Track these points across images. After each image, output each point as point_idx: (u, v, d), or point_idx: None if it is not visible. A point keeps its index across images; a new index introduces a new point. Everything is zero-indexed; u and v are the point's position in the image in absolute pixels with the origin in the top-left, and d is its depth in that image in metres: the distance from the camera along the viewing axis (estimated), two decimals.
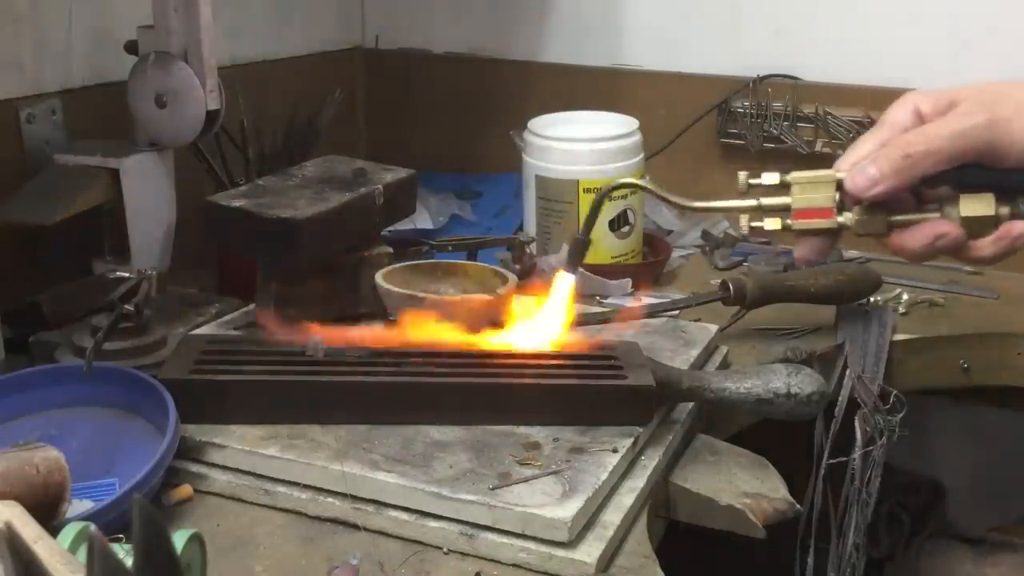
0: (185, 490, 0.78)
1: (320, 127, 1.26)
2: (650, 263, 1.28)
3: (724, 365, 1.02)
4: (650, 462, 0.82)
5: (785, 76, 1.40)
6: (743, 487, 0.82)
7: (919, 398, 1.16)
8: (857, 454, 0.97)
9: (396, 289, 0.97)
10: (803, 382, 0.84)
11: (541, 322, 0.89)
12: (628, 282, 1.20)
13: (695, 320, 1.09)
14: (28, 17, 1.11)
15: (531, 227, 1.26)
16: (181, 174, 1.10)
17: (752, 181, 0.75)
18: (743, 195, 0.75)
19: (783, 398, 0.83)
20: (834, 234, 0.73)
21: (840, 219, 0.72)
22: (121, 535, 0.65)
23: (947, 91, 0.71)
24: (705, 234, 1.41)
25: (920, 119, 0.71)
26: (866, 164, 0.70)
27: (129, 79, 1.05)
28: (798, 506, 0.82)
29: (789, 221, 0.74)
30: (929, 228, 0.71)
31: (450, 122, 1.61)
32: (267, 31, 1.46)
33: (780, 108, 1.40)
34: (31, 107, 1.11)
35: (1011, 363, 1.16)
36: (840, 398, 1.01)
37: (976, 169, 0.69)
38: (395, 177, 1.08)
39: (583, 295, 1.16)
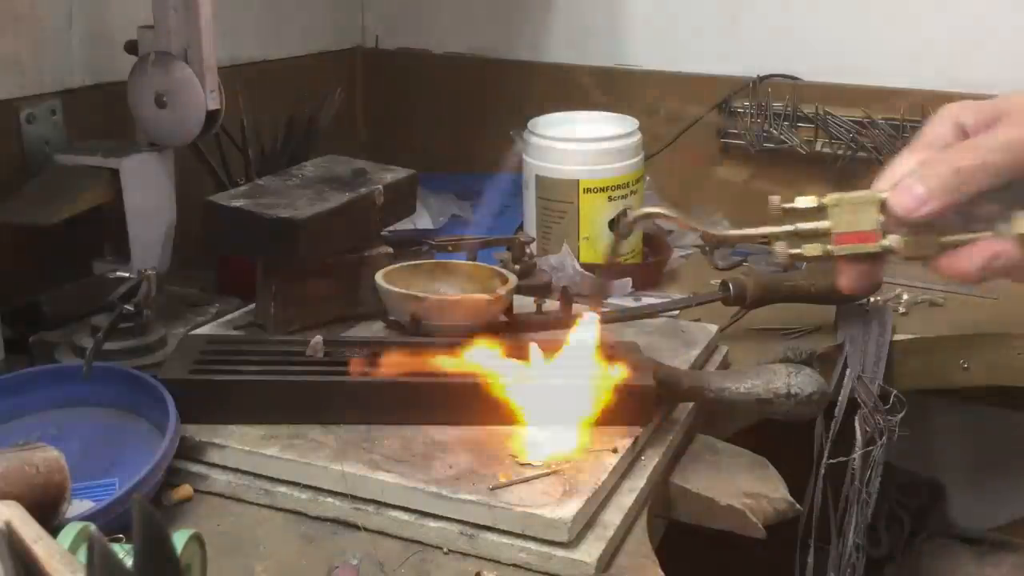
0: (185, 490, 0.78)
1: (320, 127, 1.26)
2: (650, 263, 1.28)
3: (724, 365, 1.02)
4: (650, 462, 0.82)
5: (785, 76, 1.41)
6: (743, 487, 0.82)
7: (919, 398, 1.16)
8: (857, 454, 0.97)
9: (396, 289, 0.97)
10: (803, 382, 0.84)
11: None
12: (628, 282, 1.20)
13: (695, 320, 1.09)
14: (28, 17, 1.11)
15: (531, 227, 1.26)
16: (181, 174, 1.10)
17: (786, 205, 0.70)
18: (777, 220, 0.70)
19: (783, 398, 0.83)
20: (880, 258, 0.69)
21: (886, 242, 0.67)
22: (121, 535, 0.65)
23: (989, 102, 0.67)
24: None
25: (963, 133, 0.67)
26: (912, 182, 0.64)
27: (129, 79, 1.05)
28: (798, 506, 0.82)
29: (830, 247, 0.68)
30: (985, 248, 0.65)
31: (450, 122, 1.61)
32: (267, 31, 1.46)
33: (780, 108, 1.40)
34: (31, 107, 1.11)
35: (1011, 363, 1.16)
36: (840, 398, 1.01)
37: None
38: (395, 177, 1.08)
39: (583, 295, 1.16)
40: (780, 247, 0.70)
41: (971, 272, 0.66)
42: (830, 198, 0.68)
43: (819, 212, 0.68)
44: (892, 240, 0.67)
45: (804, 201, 0.69)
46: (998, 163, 0.63)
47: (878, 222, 0.67)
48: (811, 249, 0.69)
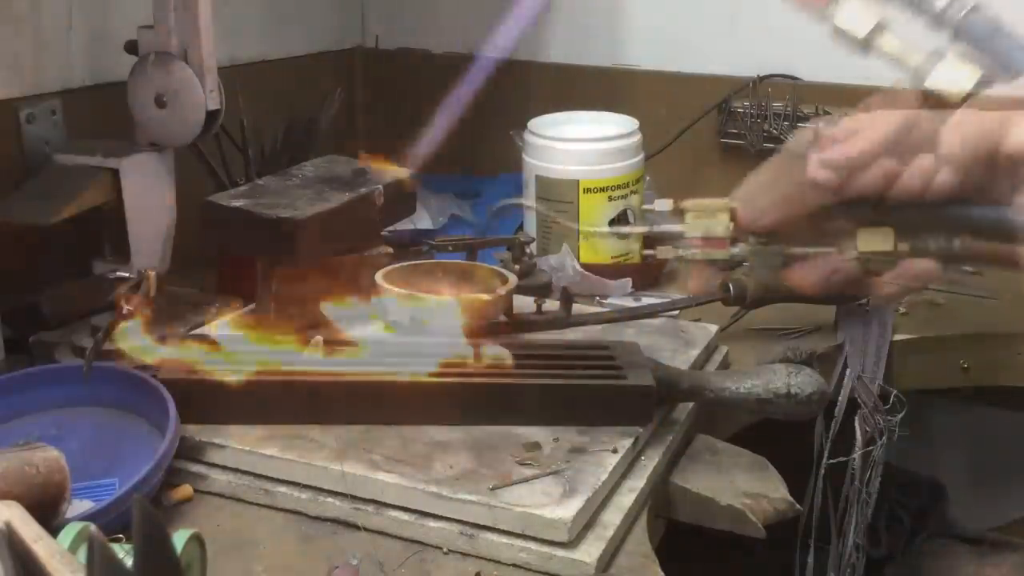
0: (185, 490, 0.78)
1: (320, 127, 1.26)
2: (650, 263, 1.28)
3: (724, 365, 1.02)
4: (650, 462, 0.82)
5: (785, 76, 1.41)
6: (743, 487, 0.82)
7: (919, 398, 1.15)
8: (857, 454, 0.97)
9: (396, 289, 0.97)
10: (803, 382, 0.84)
11: None
12: (628, 282, 1.20)
13: (695, 320, 1.09)
14: (28, 17, 1.11)
15: (531, 227, 1.26)
16: (181, 174, 1.10)
17: (644, 207, 0.74)
18: (637, 221, 0.74)
19: (783, 398, 0.83)
20: (730, 265, 0.72)
21: (735, 250, 0.70)
22: (121, 535, 0.65)
23: (855, 117, 0.67)
24: None
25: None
26: (756, 193, 0.69)
27: (129, 79, 1.05)
28: (798, 506, 0.82)
29: (681, 251, 0.71)
30: (826, 263, 0.68)
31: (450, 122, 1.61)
32: (267, 31, 1.46)
33: (780, 108, 1.40)
34: (31, 107, 1.11)
35: (1011, 363, 1.16)
36: (840, 398, 1.01)
37: (875, 203, 0.66)
38: (395, 177, 1.08)
39: (583, 295, 1.16)
40: (637, 247, 0.74)
41: (812, 284, 0.69)
42: (687, 203, 0.71)
43: (677, 215, 0.71)
44: (741, 248, 0.70)
45: (662, 204, 0.72)
46: (826, 182, 0.65)
47: (728, 229, 0.70)
48: (664, 251, 0.72)
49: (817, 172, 0.65)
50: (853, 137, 0.65)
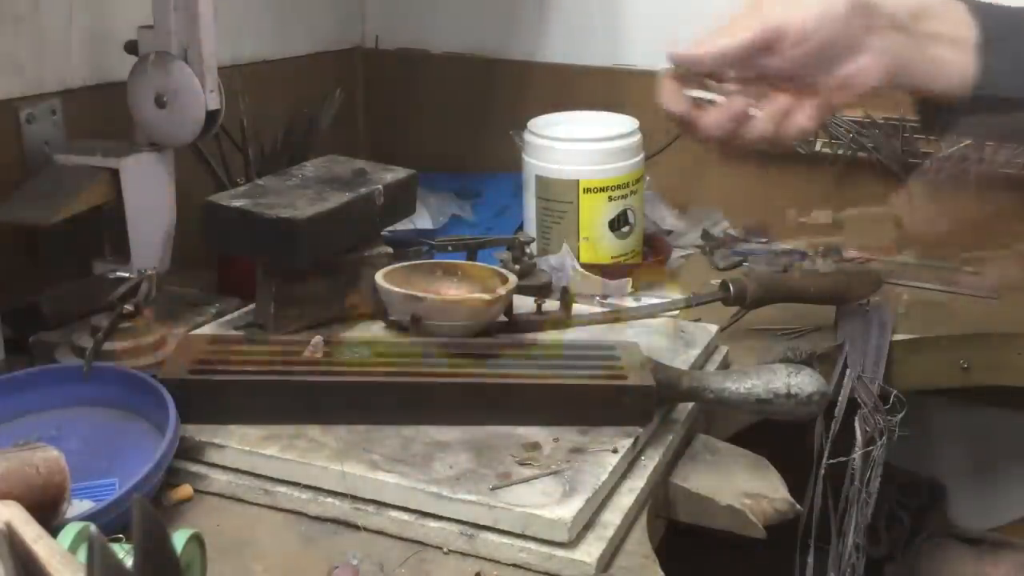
0: (185, 490, 0.78)
1: (320, 127, 1.26)
2: (650, 263, 1.28)
3: (724, 365, 1.02)
4: (650, 462, 0.82)
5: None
6: (743, 487, 0.82)
7: (919, 398, 1.16)
8: (857, 454, 0.97)
9: (396, 289, 0.97)
10: (803, 382, 0.84)
11: None
12: (628, 282, 1.20)
13: (695, 320, 1.09)
14: (28, 17, 1.11)
15: (531, 227, 1.26)
16: (181, 174, 1.10)
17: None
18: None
19: (783, 398, 0.83)
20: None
21: (901, 257, 0.72)
22: (121, 535, 0.65)
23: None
24: (705, 234, 1.41)
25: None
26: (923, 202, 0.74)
27: (129, 79, 1.05)
28: (798, 506, 0.82)
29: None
30: (1002, 264, 0.71)
31: (450, 122, 1.61)
32: (267, 31, 1.46)
33: None
34: (31, 107, 1.11)
35: (1011, 363, 1.16)
36: (840, 398, 1.01)
37: None
38: (395, 177, 1.08)
39: (583, 295, 1.16)
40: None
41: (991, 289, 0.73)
42: (847, 213, 0.72)
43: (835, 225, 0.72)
44: (907, 255, 0.71)
45: (821, 216, 0.73)
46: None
47: (893, 237, 0.71)
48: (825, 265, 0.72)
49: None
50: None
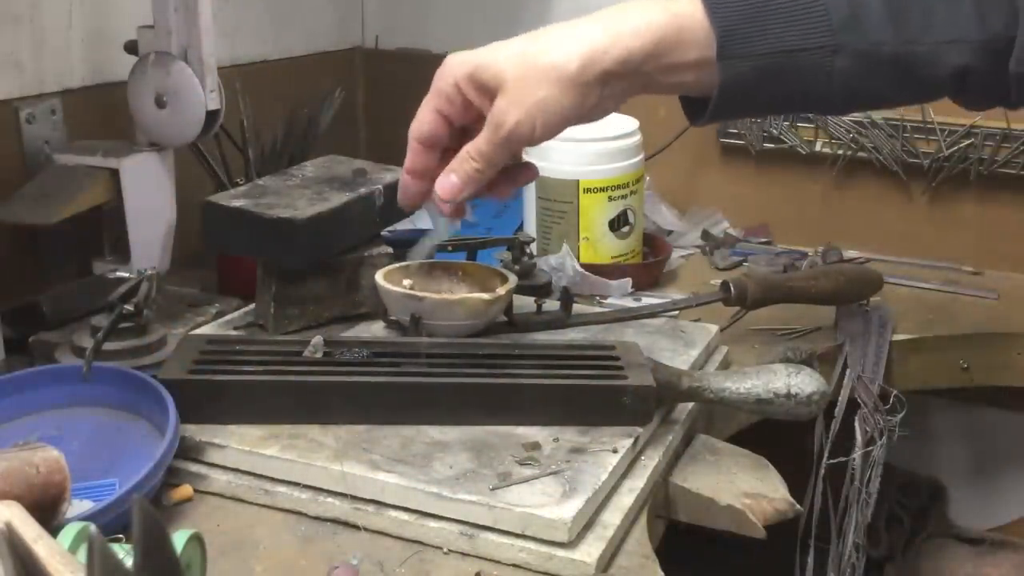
0: (185, 490, 0.78)
1: (320, 127, 1.26)
2: (650, 263, 1.28)
3: (724, 365, 1.02)
4: (650, 462, 0.82)
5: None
6: (743, 487, 0.82)
7: (919, 398, 1.16)
8: (857, 454, 0.97)
9: (396, 289, 0.97)
10: (803, 382, 0.84)
11: None
12: (628, 282, 1.20)
13: (695, 320, 1.09)
14: (28, 17, 1.11)
15: (531, 227, 1.26)
16: (181, 174, 1.11)
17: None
18: None
19: (783, 398, 0.83)
20: None
21: None
22: (121, 535, 0.65)
23: (487, 67, 0.72)
24: (705, 234, 1.41)
25: (461, 96, 0.73)
26: (448, 175, 0.75)
27: (129, 79, 1.05)
28: (798, 506, 0.82)
29: None
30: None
31: None
32: (267, 31, 1.46)
33: None
34: (31, 107, 1.11)
35: (1011, 363, 1.16)
36: (840, 398, 1.01)
37: None
38: (395, 177, 1.08)
39: (583, 295, 1.16)
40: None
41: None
42: None
43: None
44: None
45: None
46: (503, 157, 0.73)
47: None
48: None
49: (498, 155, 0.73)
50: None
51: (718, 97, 0.71)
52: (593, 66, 0.69)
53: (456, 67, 0.73)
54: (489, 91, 0.72)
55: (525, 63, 0.71)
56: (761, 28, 0.69)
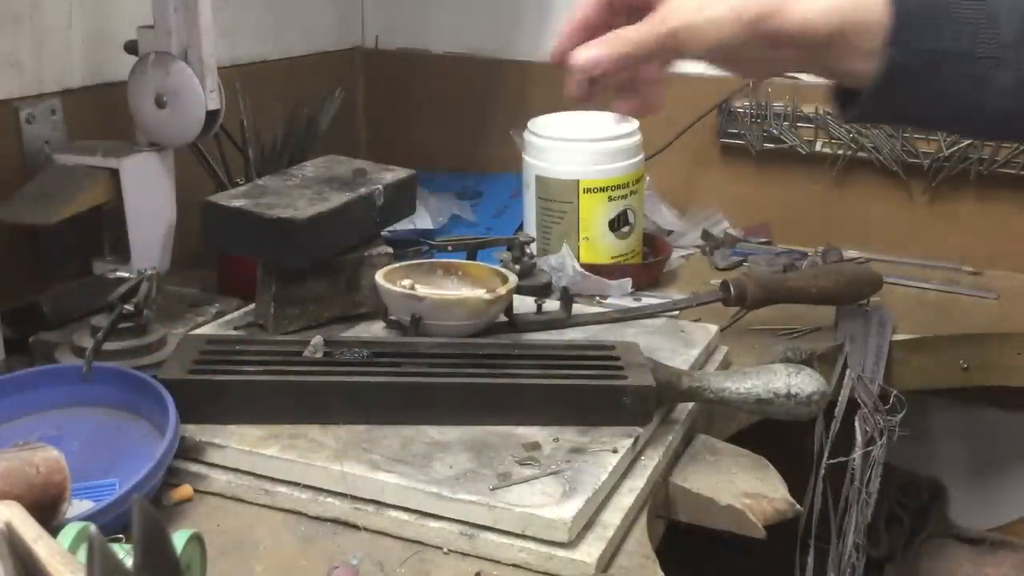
0: (185, 490, 0.78)
1: (320, 127, 1.26)
2: (650, 263, 1.28)
3: (724, 365, 1.02)
4: (650, 462, 0.82)
5: (785, 76, 1.40)
6: (743, 487, 0.82)
7: (919, 398, 1.16)
8: (857, 454, 0.97)
9: (396, 289, 0.97)
10: (803, 382, 0.84)
11: None
12: (628, 282, 1.20)
13: (695, 320, 1.09)
14: (28, 17, 1.11)
15: (531, 227, 1.26)
16: (181, 174, 1.11)
17: None
18: None
19: (783, 398, 0.83)
20: None
21: None
22: (121, 535, 0.65)
23: None
24: (705, 234, 1.41)
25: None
26: (592, 46, 0.75)
27: (129, 79, 1.05)
28: (798, 506, 0.82)
29: None
30: None
31: (450, 122, 1.61)
32: (267, 31, 1.46)
33: (780, 108, 1.40)
34: (31, 107, 1.11)
35: (1011, 363, 1.16)
36: (840, 398, 1.01)
37: None
38: (395, 177, 1.08)
39: (583, 295, 1.16)
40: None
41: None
42: None
43: None
44: None
45: None
46: (660, 46, 0.72)
47: None
48: None
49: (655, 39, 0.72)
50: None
51: (876, 86, 0.70)
52: (770, 20, 0.69)
53: None
54: None
55: None
56: (936, 25, 0.69)
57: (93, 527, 0.58)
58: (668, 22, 0.71)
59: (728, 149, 1.45)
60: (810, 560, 1.02)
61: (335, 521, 0.76)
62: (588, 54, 0.75)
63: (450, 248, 1.15)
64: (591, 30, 0.77)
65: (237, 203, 0.97)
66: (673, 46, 0.71)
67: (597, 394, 0.83)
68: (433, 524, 0.73)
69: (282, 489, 0.78)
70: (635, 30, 0.73)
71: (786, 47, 0.70)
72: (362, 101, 1.66)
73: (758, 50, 0.70)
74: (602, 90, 0.77)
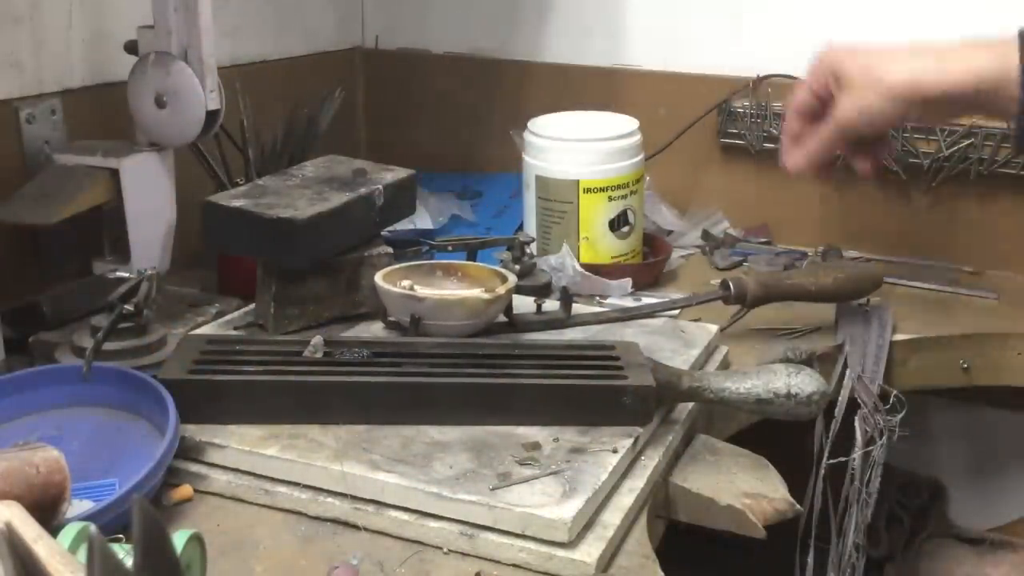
0: (185, 490, 0.78)
1: (320, 127, 1.26)
2: (650, 263, 1.28)
3: (724, 365, 1.02)
4: (650, 462, 0.82)
5: (785, 76, 1.40)
6: (743, 487, 0.82)
7: (919, 398, 1.16)
8: (857, 454, 0.97)
9: (396, 289, 0.97)
10: (803, 382, 0.84)
11: None
12: (628, 282, 1.20)
13: (695, 320, 1.09)
14: (28, 17, 1.11)
15: (531, 227, 1.26)
16: (181, 174, 1.11)
17: None
18: None
19: (783, 398, 0.83)
20: None
21: None
22: (121, 535, 0.65)
23: (829, 64, 0.89)
24: (705, 234, 1.41)
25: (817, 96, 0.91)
26: (794, 150, 0.94)
27: (129, 79, 1.05)
28: (798, 506, 0.82)
29: None
30: None
31: (450, 122, 1.61)
32: (267, 31, 1.46)
33: (780, 108, 1.40)
34: (31, 107, 1.11)
35: (1011, 363, 1.16)
36: (840, 398, 1.01)
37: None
38: (395, 177, 1.08)
39: (583, 295, 1.16)
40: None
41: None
42: None
43: None
44: None
45: None
46: (840, 136, 0.90)
47: None
48: None
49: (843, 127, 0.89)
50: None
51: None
52: (916, 90, 0.83)
53: (832, 56, 0.89)
54: (841, 86, 0.87)
55: (868, 74, 0.86)
56: None
57: (93, 527, 0.58)
58: (838, 122, 0.88)
59: (728, 149, 1.45)
60: (810, 560, 1.02)
61: (335, 521, 0.76)
62: (795, 162, 0.93)
63: (450, 248, 1.15)
64: (799, 134, 0.93)
65: (237, 203, 0.97)
66: (851, 136, 0.89)
67: (597, 394, 0.83)
68: (433, 524, 0.73)
69: (282, 489, 0.78)
70: (819, 135, 0.90)
71: (935, 105, 0.84)
72: (362, 101, 1.66)
73: (918, 111, 0.85)
74: (824, 170, 0.94)
